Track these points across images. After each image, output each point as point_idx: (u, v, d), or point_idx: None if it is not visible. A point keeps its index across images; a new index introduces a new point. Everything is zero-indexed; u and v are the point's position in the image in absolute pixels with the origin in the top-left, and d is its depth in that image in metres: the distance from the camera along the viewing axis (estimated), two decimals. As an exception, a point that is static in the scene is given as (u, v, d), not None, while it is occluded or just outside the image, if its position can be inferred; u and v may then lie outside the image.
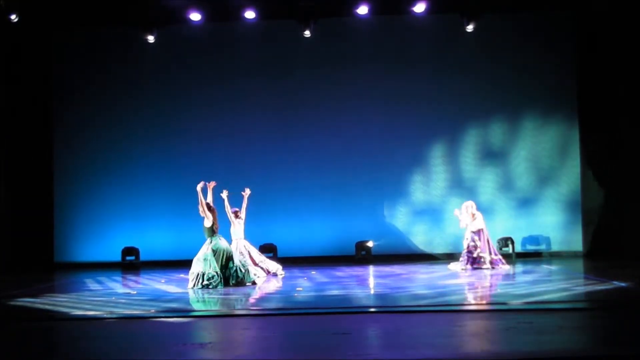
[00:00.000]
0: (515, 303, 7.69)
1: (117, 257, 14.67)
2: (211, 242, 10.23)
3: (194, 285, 10.05)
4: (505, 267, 12.33)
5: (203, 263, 10.14)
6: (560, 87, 14.77)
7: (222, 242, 10.31)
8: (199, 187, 10.31)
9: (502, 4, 14.60)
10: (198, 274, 10.10)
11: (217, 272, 10.09)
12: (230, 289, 9.91)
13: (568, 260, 13.76)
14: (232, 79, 15.17)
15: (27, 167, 14.99)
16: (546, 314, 6.97)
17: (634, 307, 7.36)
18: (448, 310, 7.44)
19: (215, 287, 10.02)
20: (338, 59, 15.09)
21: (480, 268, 12.22)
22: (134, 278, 12.55)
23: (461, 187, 14.80)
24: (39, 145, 15.14)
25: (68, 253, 15.16)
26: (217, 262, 10.13)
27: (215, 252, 10.17)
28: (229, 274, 10.23)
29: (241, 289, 9.94)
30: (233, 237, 11.54)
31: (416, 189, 14.93)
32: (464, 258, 12.41)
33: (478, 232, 12.41)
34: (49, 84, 15.30)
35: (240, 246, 11.48)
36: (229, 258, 10.28)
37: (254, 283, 10.52)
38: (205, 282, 10.03)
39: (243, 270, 10.41)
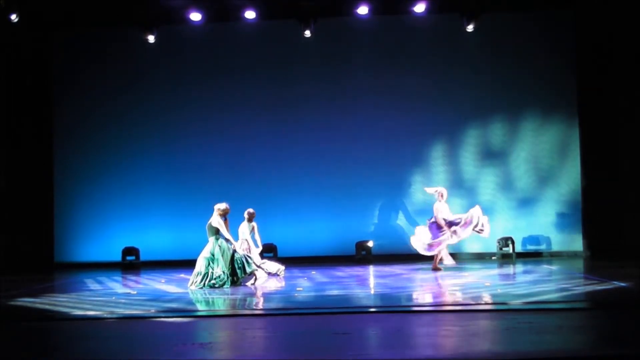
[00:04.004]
0: (515, 303, 7.69)
1: (117, 257, 14.67)
2: (217, 240, 10.25)
3: (202, 285, 10.04)
4: None
5: (211, 262, 10.14)
6: (560, 87, 14.76)
7: (225, 242, 10.35)
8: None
9: (502, 4, 14.60)
10: (206, 274, 10.10)
11: (224, 272, 10.13)
12: (231, 289, 9.92)
13: (568, 260, 13.76)
14: (232, 79, 15.17)
15: (27, 166, 14.99)
16: (546, 314, 6.97)
17: (634, 307, 7.36)
18: (448, 310, 7.45)
19: (221, 286, 10.04)
20: (338, 58, 15.09)
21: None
22: (134, 278, 12.55)
23: (461, 187, 14.79)
24: (39, 145, 15.14)
25: (68, 253, 15.16)
26: (224, 261, 10.15)
27: (222, 250, 10.18)
28: (236, 269, 10.25)
29: (241, 289, 9.95)
30: (241, 236, 11.53)
31: (416, 189, 14.92)
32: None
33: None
34: (49, 84, 15.30)
35: (244, 246, 11.49)
36: (233, 255, 10.31)
37: (254, 280, 10.56)
38: (212, 282, 10.04)
39: (250, 262, 10.46)
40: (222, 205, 10.32)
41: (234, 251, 10.41)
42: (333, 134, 15.06)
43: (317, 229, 14.91)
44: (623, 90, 13.91)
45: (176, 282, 11.17)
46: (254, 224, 11.65)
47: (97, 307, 8.21)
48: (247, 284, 10.49)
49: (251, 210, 11.63)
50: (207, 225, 10.34)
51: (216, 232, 10.27)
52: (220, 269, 10.12)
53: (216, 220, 10.23)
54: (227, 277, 10.16)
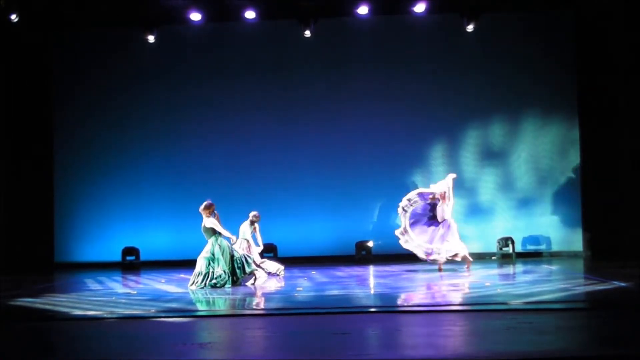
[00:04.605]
0: (515, 303, 7.69)
1: (117, 257, 14.66)
2: (217, 240, 10.23)
3: (204, 285, 10.03)
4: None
5: (211, 262, 10.12)
6: (560, 87, 14.77)
7: (224, 241, 10.34)
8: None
9: (502, 4, 14.60)
10: (207, 273, 10.08)
11: (224, 271, 10.11)
12: (231, 289, 9.92)
13: (568, 260, 13.76)
14: (232, 79, 15.17)
15: (27, 167, 14.98)
16: (546, 314, 6.97)
17: (634, 307, 7.36)
18: (448, 310, 7.45)
19: (223, 285, 10.03)
20: (338, 59, 15.09)
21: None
22: (134, 278, 12.55)
23: (461, 187, 14.76)
24: (39, 145, 15.13)
25: (68, 253, 15.16)
26: (225, 260, 10.14)
27: (222, 249, 10.17)
28: (235, 269, 10.25)
29: (241, 289, 9.95)
30: (241, 235, 11.55)
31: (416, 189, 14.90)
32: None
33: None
34: (49, 84, 15.29)
35: (244, 245, 11.49)
36: (232, 255, 10.30)
37: (254, 280, 10.56)
38: (214, 282, 10.03)
39: (249, 261, 10.45)
40: (205, 203, 10.26)
41: (234, 250, 10.40)
42: (333, 133, 15.06)
43: (317, 229, 14.91)
44: (623, 90, 13.90)
45: (176, 282, 11.17)
46: (256, 225, 11.65)
47: (97, 307, 8.20)
48: (247, 284, 10.49)
49: (257, 213, 11.67)
50: (202, 229, 10.31)
51: (213, 232, 10.26)
52: (221, 269, 10.11)
53: (209, 222, 10.20)
54: (228, 277, 10.16)
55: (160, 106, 15.23)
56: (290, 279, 11.25)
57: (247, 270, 10.42)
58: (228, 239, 10.40)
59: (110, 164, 15.20)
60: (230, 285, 10.11)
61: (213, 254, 10.16)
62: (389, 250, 14.62)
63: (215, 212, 10.37)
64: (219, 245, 10.21)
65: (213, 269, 10.10)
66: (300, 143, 15.13)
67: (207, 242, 10.35)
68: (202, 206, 10.25)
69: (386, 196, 15.01)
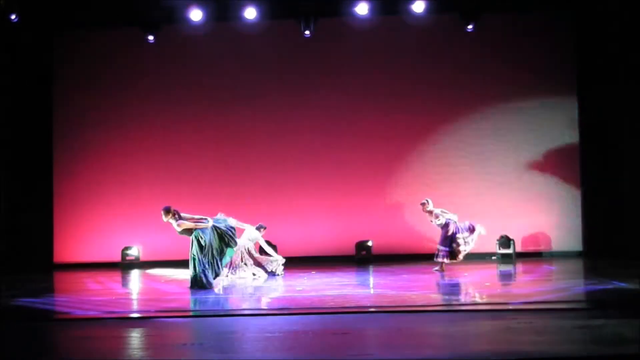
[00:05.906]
0: (515, 303, 7.69)
1: (117, 257, 14.66)
2: (197, 237, 10.03)
3: (192, 286, 10.00)
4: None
5: (194, 262, 10.05)
6: (560, 87, 14.75)
7: (207, 232, 10.13)
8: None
9: (502, 4, 14.58)
10: (192, 276, 10.03)
11: (206, 268, 9.99)
12: (231, 289, 9.91)
13: (568, 260, 13.76)
14: (232, 79, 15.15)
15: (27, 167, 14.97)
16: (546, 314, 6.97)
17: (634, 307, 7.36)
18: (448, 310, 7.45)
19: (212, 283, 9.98)
20: (338, 58, 15.07)
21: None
22: (134, 278, 12.56)
23: (461, 187, 14.79)
24: (39, 145, 15.13)
25: (68, 253, 15.15)
26: (205, 257, 10.05)
27: (202, 247, 10.06)
28: (223, 247, 10.19)
29: (241, 289, 9.95)
30: (247, 235, 11.60)
31: (417, 189, 14.91)
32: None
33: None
34: (49, 84, 15.29)
35: (244, 244, 11.52)
36: (217, 247, 10.19)
37: (253, 279, 10.56)
38: (203, 283, 9.98)
39: (234, 237, 10.40)
40: (164, 212, 9.92)
41: (218, 230, 10.25)
42: (332, 133, 15.03)
43: (317, 229, 14.90)
44: (624, 91, 13.89)
45: (176, 282, 11.18)
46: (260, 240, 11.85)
47: (97, 307, 8.21)
48: (246, 283, 10.49)
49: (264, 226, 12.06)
50: (179, 233, 10.18)
51: (190, 232, 10.12)
52: (200, 268, 9.94)
53: (180, 225, 9.98)
54: (213, 273, 10.04)
55: (160, 106, 15.20)
56: (290, 279, 11.26)
57: (234, 246, 10.37)
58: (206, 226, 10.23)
59: (110, 163, 15.18)
60: (225, 274, 10.11)
61: (196, 254, 10.06)
62: (389, 250, 14.63)
63: (178, 212, 10.06)
64: (201, 244, 10.05)
65: (198, 269, 10.01)
66: (300, 142, 15.10)
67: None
68: (164, 216, 9.91)
69: (386, 196, 15.01)
